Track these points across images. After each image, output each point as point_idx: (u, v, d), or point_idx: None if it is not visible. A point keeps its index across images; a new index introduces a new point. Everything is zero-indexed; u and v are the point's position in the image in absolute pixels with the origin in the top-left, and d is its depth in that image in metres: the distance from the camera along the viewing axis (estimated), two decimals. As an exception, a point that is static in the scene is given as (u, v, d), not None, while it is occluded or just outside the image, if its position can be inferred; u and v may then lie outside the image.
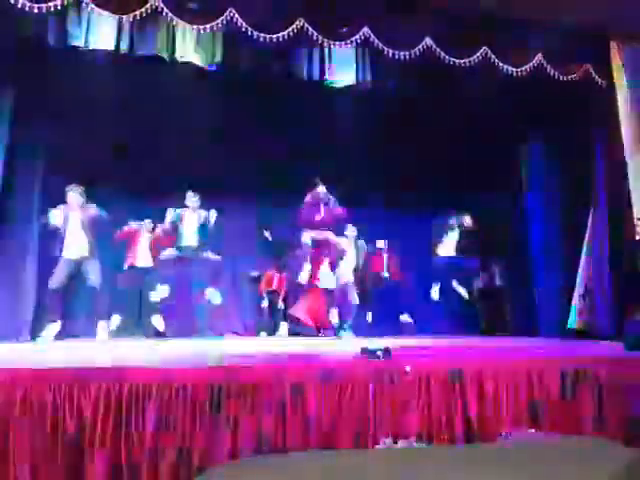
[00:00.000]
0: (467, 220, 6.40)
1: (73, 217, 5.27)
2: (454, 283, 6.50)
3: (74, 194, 5.25)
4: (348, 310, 6.41)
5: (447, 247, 6.41)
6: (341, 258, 6.20)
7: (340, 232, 5.91)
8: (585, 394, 3.17)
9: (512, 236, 7.08)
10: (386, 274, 7.21)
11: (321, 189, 5.60)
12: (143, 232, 6.26)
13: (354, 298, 6.45)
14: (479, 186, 7.55)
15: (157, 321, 5.77)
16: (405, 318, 7.03)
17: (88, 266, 5.24)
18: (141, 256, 6.18)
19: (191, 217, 5.95)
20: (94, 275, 5.24)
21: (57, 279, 5.11)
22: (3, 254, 5.49)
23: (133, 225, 6.29)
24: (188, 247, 5.90)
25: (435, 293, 6.66)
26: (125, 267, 6.17)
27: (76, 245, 5.23)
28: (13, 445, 2.43)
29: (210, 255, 5.93)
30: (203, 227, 5.93)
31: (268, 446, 2.62)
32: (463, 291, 6.47)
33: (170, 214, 5.95)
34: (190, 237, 5.90)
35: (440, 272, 6.58)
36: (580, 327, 5.76)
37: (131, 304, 6.17)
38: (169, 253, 5.88)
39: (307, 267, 5.49)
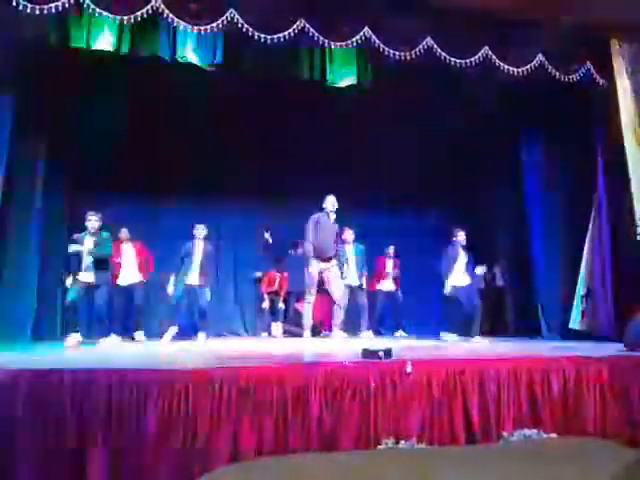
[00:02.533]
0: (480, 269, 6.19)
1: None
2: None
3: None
4: (363, 312, 6.43)
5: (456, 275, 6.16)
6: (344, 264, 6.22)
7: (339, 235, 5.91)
8: (586, 395, 3.17)
9: (513, 236, 7.08)
10: (391, 286, 7.24)
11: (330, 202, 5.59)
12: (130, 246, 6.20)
13: (363, 301, 6.47)
14: (479, 186, 7.56)
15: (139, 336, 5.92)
16: (400, 333, 7.09)
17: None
18: (130, 272, 6.13)
19: (199, 249, 6.03)
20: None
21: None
22: (5, 254, 5.51)
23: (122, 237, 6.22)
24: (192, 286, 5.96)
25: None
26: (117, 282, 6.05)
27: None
28: (16, 445, 2.43)
29: (207, 294, 5.97)
30: (206, 260, 6.00)
31: (269, 447, 2.61)
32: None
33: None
34: (194, 274, 5.96)
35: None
36: (581, 328, 5.76)
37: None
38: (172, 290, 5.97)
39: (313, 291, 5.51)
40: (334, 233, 5.60)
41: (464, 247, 5.96)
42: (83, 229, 5.34)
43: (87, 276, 5.21)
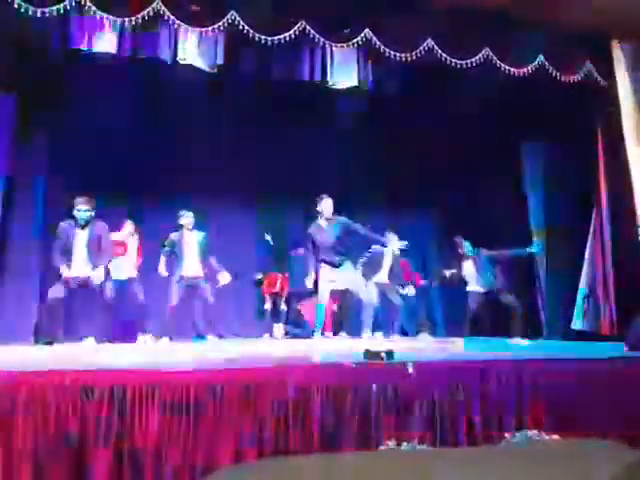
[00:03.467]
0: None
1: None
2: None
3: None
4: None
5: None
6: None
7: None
8: (588, 395, 3.17)
9: (513, 237, 7.07)
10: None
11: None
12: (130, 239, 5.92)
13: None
14: (480, 186, 7.55)
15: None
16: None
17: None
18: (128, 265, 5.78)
19: (190, 239, 5.59)
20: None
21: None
22: (6, 255, 5.52)
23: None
24: (193, 278, 5.49)
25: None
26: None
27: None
28: (17, 446, 2.44)
29: (221, 280, 5.56)
30: (201, 250, 5.57)
31: (270, 448, 2.61)
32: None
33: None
34: (193, 265, 5.51)
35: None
36: (583, 328, 5.76)
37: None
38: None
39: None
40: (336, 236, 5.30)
41: (469, 255, 5.97)
42: None
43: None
